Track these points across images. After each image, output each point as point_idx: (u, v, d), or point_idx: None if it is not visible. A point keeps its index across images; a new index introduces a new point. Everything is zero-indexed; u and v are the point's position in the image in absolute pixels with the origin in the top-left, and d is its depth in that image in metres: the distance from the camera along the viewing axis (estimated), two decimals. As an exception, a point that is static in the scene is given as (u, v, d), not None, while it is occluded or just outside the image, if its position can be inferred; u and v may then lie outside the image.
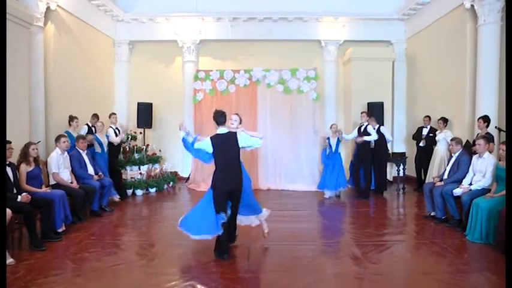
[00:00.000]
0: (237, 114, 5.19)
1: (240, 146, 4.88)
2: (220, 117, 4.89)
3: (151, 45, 11.56)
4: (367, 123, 9.11)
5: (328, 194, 8.71)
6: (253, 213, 5.30)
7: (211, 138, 4.81)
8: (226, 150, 4.81)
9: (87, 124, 8.61)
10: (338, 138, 8.76)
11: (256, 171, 9.98)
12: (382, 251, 5.11)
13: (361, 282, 4.11)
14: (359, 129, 8.79)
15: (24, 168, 5.58)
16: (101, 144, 8.16)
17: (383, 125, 9.74)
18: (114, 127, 8.84)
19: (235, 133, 4.91)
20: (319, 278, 4.19)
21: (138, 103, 10.69)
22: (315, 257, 4.93)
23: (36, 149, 5.84)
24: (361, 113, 8.98)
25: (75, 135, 8.05)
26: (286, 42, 11.31)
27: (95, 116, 8.82)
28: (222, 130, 4.88)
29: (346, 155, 10.27)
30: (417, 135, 9.39)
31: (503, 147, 5.50)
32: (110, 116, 8.99)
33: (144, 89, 11.42)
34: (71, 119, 8.11)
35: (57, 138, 6.56)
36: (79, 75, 9.40)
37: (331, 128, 8.96)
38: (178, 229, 4.94)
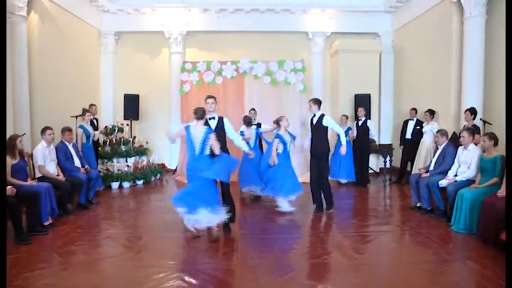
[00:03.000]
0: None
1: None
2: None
3: (137, 36, 11.42)
4: (364, 118, 9.14)
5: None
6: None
7: None
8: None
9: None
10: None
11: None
12: (367, 241, 5.17)
13: (347, 272, 4.15)
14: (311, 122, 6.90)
15: (9, 161, 5.47)
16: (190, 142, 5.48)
17: (370, 118, 9.79)
18: (92, 117, 8.67)
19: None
20: (305, 268, 4.23)
21: (125, 94, 10.61)
22: (301, 247, 4.99)
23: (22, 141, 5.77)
24: (309, 101, 6.91)
25: (89, 129, 7.99)
26: (274, 33, 11.28)
27: (92, 106, 8.80)
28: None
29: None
30: (404, 129, 9.48)
31: (485, 138, 5.61)
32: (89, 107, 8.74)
33: (130, 80, 11.30)
34: (84, 112, 8.06)
35: (43, 131, 6.47)
36: (64, 67, 9.28)
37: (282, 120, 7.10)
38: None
